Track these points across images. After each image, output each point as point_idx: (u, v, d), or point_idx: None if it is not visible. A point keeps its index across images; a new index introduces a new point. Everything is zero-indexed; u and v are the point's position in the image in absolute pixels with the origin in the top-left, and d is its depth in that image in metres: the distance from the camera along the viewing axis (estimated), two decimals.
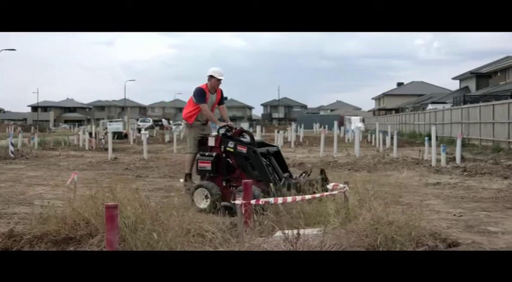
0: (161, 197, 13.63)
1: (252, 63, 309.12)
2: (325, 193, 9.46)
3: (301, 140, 51.50)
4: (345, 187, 9.53)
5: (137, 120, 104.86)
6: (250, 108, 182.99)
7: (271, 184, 12.08)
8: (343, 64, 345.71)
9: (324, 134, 34.27)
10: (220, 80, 14.78)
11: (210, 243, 8.09)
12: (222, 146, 13.45)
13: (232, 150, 13.31)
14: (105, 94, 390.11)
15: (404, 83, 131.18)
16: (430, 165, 24.38)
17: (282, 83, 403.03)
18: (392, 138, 36.41)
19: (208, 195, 12.84)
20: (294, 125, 62.00)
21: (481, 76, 78.91)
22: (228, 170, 13.37)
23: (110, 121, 75.59)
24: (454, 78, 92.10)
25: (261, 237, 8.21)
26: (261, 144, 14.19)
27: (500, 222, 11.63)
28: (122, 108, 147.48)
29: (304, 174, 13.39)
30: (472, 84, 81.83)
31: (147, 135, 38.92)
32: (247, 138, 13.67)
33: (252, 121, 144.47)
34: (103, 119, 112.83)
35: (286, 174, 13.26)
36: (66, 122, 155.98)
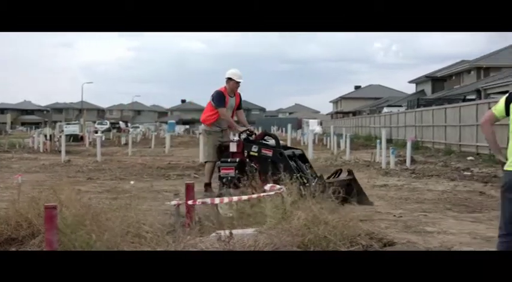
0: (109, 199, 13.67)
1: (211, 65, 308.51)
2: (263, 194, 9.63)
3: None
4: (281, 188, 9.73)
5: (94, 122, 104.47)
6: None
7: (300, 187, 11.50)
8: (303, 67, 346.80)
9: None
10: (239, 82, 14.40)
11: (149, 244, 8.22)
12: (245, 151, 13.10)
13: (256, 154, 13.00)
14: (63, 96, 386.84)
15: (362, 86, 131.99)
16: (380, 167, 24.71)
17: (241, 86, 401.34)
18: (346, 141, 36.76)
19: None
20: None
21: (436, 80, 79.77)
22: (252, 176, 12.63)
23: (67, 123, 75.28)
24: (410, 82, 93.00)
25: (201, 237, 8.38)
26: (285, 147, 13.88)
27: (437, 223, 11.93)
28: (80, 110, 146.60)
29: (335, 175, 13.35)
30: (427, 88, 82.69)
31: (103, 138, 38.87)
32: (271, 141, 13.35)
33: None
34: (60, 121, 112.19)
35: (319, 175, 12.93)
36: (23, 124, 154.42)
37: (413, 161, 27.41)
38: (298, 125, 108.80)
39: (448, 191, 17.13)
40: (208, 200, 9.22)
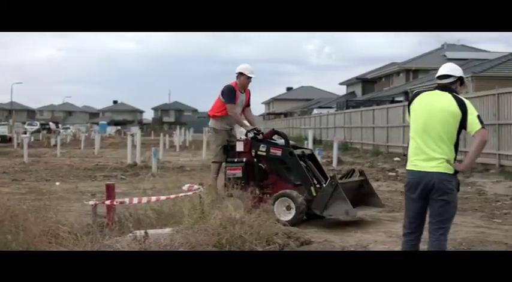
0: (31, 200, 13.59)
1: (142, 66, 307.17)
2: (181, 194, 9.73)
3: (187, 144, 51.58)
4: (199, 188, 9.84)
5: (24, 123, 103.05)
6: (141, 112, 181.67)
7: (311, 188, 11.80)
8: (235, 68, 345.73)
9: (207, 138, 34.59)
10: (251, 78, 13.60)
11: (66, 244, 8.24)
12: (253, 150, 12.48)
13: (264, 153, 12.43)
14: None
15: (294, 88, 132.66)
16: None
17: (173, 87, 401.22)
18: None
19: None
20: (178, 129, 61.72)
21: (366, 82, 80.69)
22: (260, 176, 12.52)
23: None
24: (341, 84, 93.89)
25: (119, 237, 8.44)
26: (295, 146, 13.21)
27: (355, 222, 12.18)
28: (9, 111, 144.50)
29: (347, 176, 12.90)
30: (358, 90, 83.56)
31: (32, 139, 38.46)
32: (279, 141, 12.83)
33: (142, 125, 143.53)
34: None
35: (331, 175, 12.36)
36: None
37: (340, 161, 27.79)
38: None
39: None
40: (126, 200, 9.27)
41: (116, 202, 9.13)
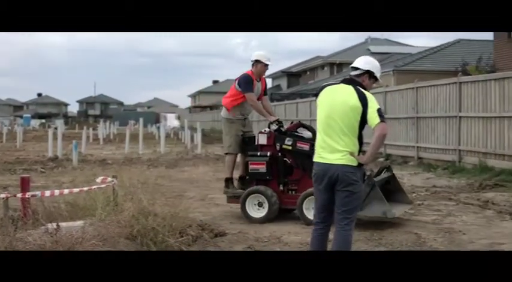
0: None
1: (67, 58, 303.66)
2: (94, 186, 9.74)
3: (111, 137, 51.26)
4: (113, 181, 9.87)
5: None
6: (66, 105, 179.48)
7: None
8: (161, 61, 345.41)
9: (130, 131, 34.55)
10: (268, 65, 12.67)
11: None
12: (277, 144, 11.68)
13: (290, 147, 11.62)
14: None
15: (220, 81, 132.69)
16: None
17: (98, 80, 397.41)
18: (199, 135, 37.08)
19: (265, 203, 11.56)
20: (102, 123, 61.31)
21: (291, 75, 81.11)
22: (285, 172, 11.83)
23: None
24: (267, 77, 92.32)
25: (31, 230, 8.43)
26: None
27: None
28: None
29: (384, 171, 12.37)
30: (283, 83, 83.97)
31: None
32: (305, 133, 11.97)
33: (67, 118, 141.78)
34: None
35: (368, 172, 11.35)
36: None
37: None
38: (156, 119, 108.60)
39: None
40: (38, 193, 9.24)
41: (28, 195, 9.07)
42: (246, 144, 12.28)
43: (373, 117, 7.04)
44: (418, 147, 23.89)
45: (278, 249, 9.30)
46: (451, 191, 15.97)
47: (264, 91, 12.88)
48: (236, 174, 12.57)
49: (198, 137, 33.45)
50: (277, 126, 12.01)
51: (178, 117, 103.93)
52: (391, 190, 12.05)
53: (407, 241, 9.84)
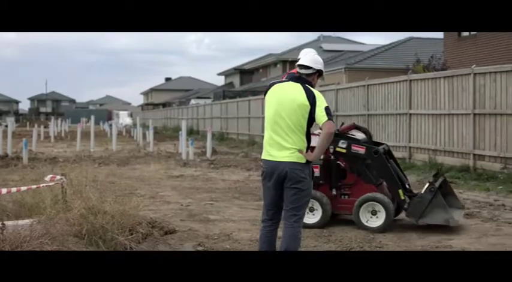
0: None
1: (19, 56, 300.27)
2: (42, 184, 9.64)
3: (63, 135, 50.84)
4: (61, 179, 9.78)
5: None
6: (17, 102, 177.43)
7: (400, 190, 10.67)
8: (114, 59, 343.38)
9: (81, 128, 34.31)
10: (300, 66, 11.78)
11: None
12: (331, 147, 10.92)
13: (344, 150, 10.94)
14: None
15: (173, 78, 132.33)
16: (181, 158, 25.05)
17: (50, 77, 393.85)
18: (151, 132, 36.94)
19: (317, 208, 10.94)
20: (53, 120, 60.78)
21: (244, 72, 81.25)
22: (339, 176, 11.23)
23: None
24: (219, 74, 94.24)
25: None
26: (376, 143, 11.70)
27: (222, 211, 12.39)
28: None
29: (439, 176, 11.69)
30: (236, 80, 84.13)
31: None
32: (358, 135, 11.45)
33: (18, 116, 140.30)
34: None
35: (431, 180, 11.18)
36: None
37: (215, 152, 27.99)
38: (108, 116, 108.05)
39: (241, 180, 17.72)
40: None
41: None
42: None
43: (320, 115, 7.11)
44: None
45: (228, 246, 9.33)
46: None
47: None
48: None
49: (150, 134, 33.29)
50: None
51: (131, 115, 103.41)
52: (444, 194, 11.28)
53: (357, 238, 9.89)
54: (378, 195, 10.74)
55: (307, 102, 7.13)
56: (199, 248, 9.20)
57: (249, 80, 79.18)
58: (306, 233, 10.04)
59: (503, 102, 16.74)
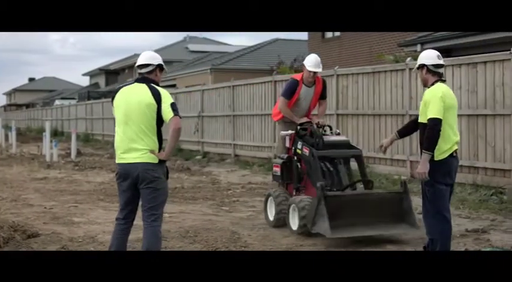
0: None
1: None
2: None
3: None
4: None
5: None
6: None
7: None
8: None
9: None
10: (312, 72, 11.25)
11: None
12: (293, 147, 10.95)
13: (300, 152, 10.82)
14: None
15: (36, 79, 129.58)
16: (45, 160, 24.59)
17: None
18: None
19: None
20: None
21: (110, 72, 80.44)
22: (298, 177, 10.96)
23: None
24: (84, 75, 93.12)
25: None
26: (342, 145, 10.93)
27: (86, 213, 12.29)
28: None
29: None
30: (102, 81, 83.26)
31: None
32: (342, 137, 11.25)
33: None
34: None
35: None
36: None
37: (80, 153, 27.61)
38: None
39: (106, 182, 17.58)
40: None
41: None
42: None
43: (167, 112, 7.28)
44: (234, 144, 24.22)
45: (92, 249, 9.24)
46: (266, 187, 16.30)
47: (322, 94, 11.64)
48: None
49: (13, 136, 32.52)
50: (300, 128, 11.14)
51: None
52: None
53: (222, 237, 9.97)
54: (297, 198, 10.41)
55: (153, 101, 7.29)
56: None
57: (115, 80, 78.37)
58: (171, 234, 10.09)
59: (365, 103, 17.21)
